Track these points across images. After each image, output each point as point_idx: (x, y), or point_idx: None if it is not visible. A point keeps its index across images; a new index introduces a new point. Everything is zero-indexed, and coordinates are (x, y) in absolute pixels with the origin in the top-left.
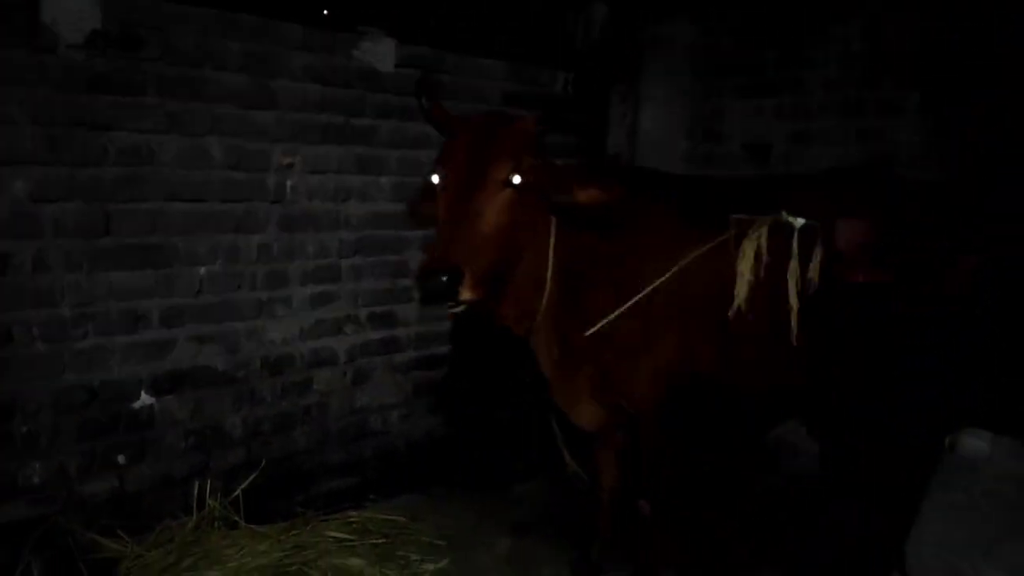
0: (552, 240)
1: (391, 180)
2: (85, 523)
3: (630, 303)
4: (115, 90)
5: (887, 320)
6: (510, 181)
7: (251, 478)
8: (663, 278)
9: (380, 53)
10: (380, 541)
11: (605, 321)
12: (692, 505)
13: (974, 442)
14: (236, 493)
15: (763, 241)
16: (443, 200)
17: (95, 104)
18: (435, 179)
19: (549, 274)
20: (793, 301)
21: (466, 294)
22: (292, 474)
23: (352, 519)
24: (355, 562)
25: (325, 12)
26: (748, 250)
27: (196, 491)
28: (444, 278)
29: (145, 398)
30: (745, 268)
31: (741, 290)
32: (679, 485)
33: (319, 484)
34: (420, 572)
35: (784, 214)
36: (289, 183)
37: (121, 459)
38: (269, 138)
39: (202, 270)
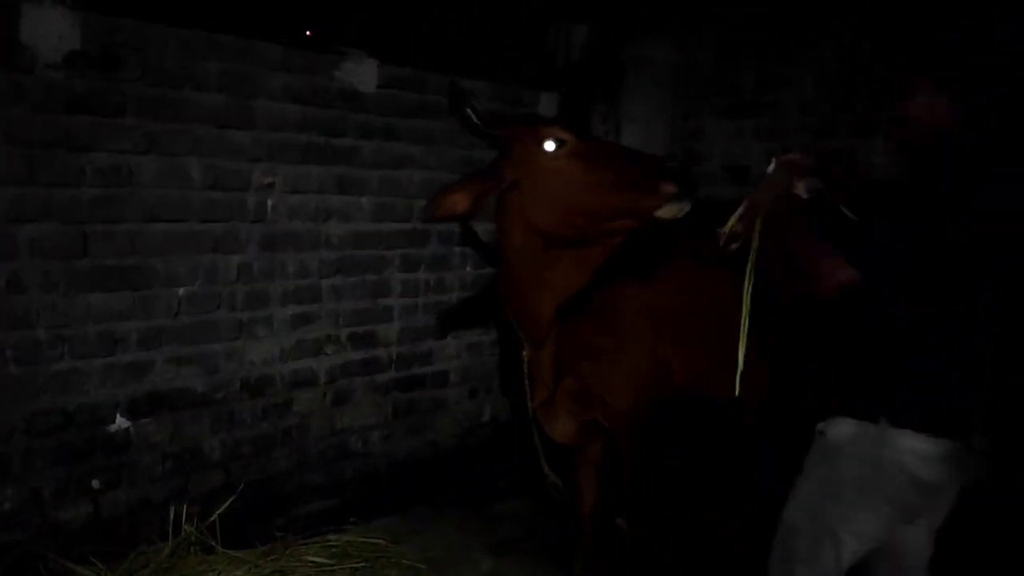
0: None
1: (372, 200)
2: (59, 549)
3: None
4: (94, 110)
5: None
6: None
7: (229, 502)
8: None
9: (362, 74)
10: (360, 565)
11: None
12: (673, 521)
13: (841, 428)
14: (213, 517)
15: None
16: None
17: (73, 124)
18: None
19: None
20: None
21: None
22: (271, 497)
23: (332, 543)
24: None
25: (308, 33)
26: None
27: (172, 516)
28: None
29: (121, 421)
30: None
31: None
32: (659, 500)
33: (299, 507)
34: None
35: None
36: (270, 203)
37: (96, 484)
38: (249, 158)
39: (181, 291)
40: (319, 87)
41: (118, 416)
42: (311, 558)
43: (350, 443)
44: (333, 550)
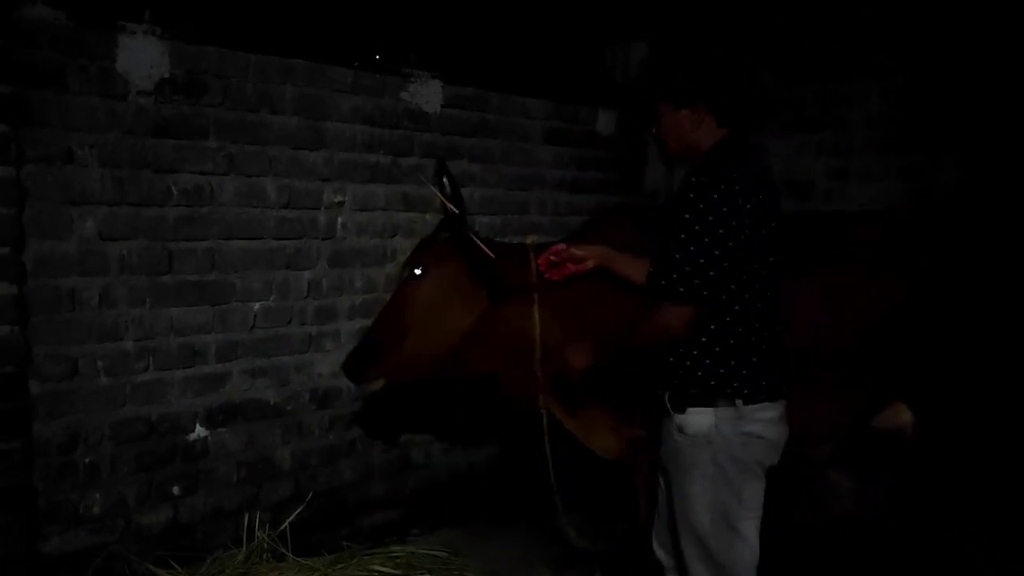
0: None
1: (435, 217)
2: (141, 553)
3: None
4: (179, 134)
5: None
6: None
7: (298, 511)
8: None
9: (427, 95)
10: None
11: None
12: None
13: (698, 419)
14: (284, 525)
15: None
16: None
17: (160, 147)
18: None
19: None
20: None
21: (371, 376)
22: (337, 507)
23: (395, 553)
24: None
25: (376, 56)
26: None
27: (246, 523)
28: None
29: (200, 430)
30: None
31: None
32: None
33: (363, 517)
34: None
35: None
36: (339, 220)
37: (176, 490)
38: (320, 177)
39: (256, 305)
40: (387, 108)
41: (197, 425)
42: (377, 568)
43: (412, 455)
44: (397, 560)
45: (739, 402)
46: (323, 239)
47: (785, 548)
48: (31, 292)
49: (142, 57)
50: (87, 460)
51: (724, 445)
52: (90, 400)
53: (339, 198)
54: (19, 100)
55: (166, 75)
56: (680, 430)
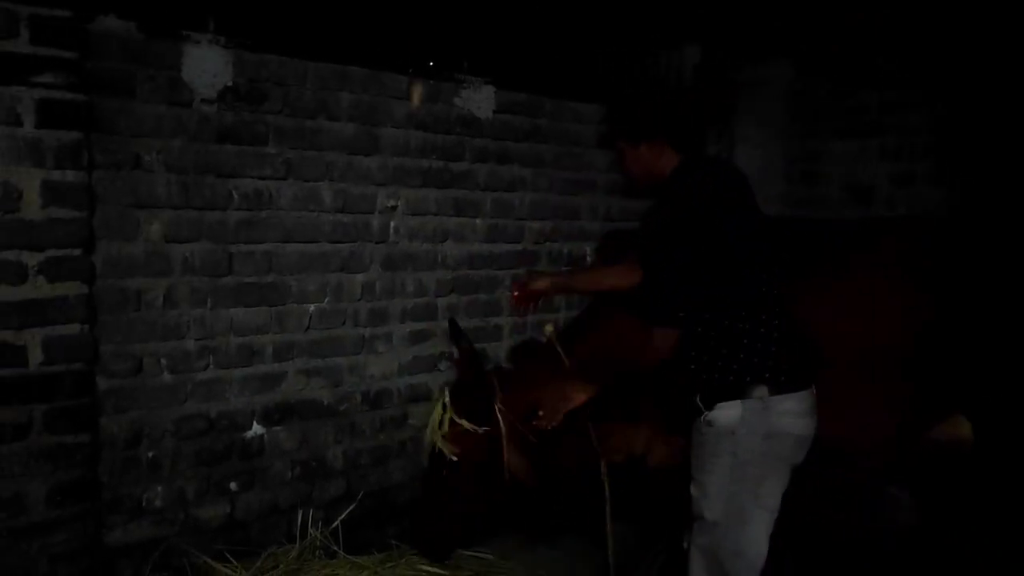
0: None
1: (486, 222)
2: (199, 546)
3: None
4: (240, 140)
5: None
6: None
7: (350, 509)
8: None
9: (479, 100)
10: None
11: None
12: None
13: (729, 412)
14: (336, 523)
15: None
16: None
17: (222, 153)
18: None
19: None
20: None
21: None
22: (387, 507)
23: None
24: None
25: (431, 63)
26: None
27: (299, 520)
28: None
29: (257, 428)
30: None
31: None
32: None
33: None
34: None
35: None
36: (392, 224)
37: (233, 486)
38: (374, 182)
39: (311, 307)
40: (440, 114)
41: (254, 423)
42: (425, 568)
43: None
44: (445, 562)
45: (765, 393)
46: (376, 243)
47: (840, 561)
48: (99, 292)
49: (206, 66)
50: (150, 455)
51: (747, 438)
52: (153, 397)
53: (392, 203)
54: (91, 108)
55: (229, 83)
56: (709, 424)
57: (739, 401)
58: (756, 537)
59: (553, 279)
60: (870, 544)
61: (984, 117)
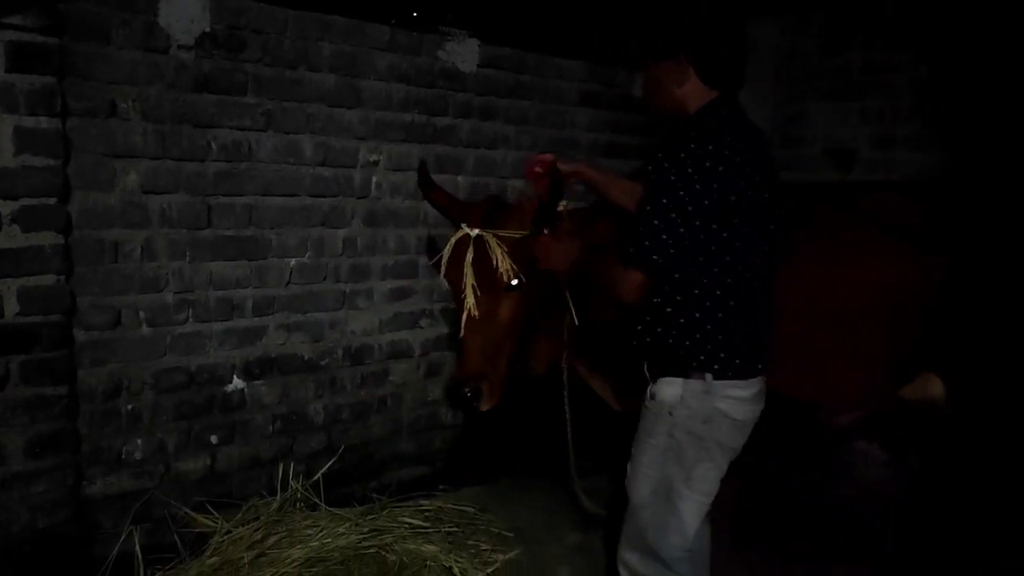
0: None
1: (468, 180)
2: (180, 498)
3: None
4: (219, 89)
5: None
6: (511, 286)
7: (330, 463)
8: None
9: (463, 53)
10: (453, 529)
11: None
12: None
13: (668, 390)
14: (317, 476)
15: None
16: (458, 309)
17: (200, 102)
18: (445, 283)
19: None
20: None
21: (486, 405)
22: (367, 461)
23: (425, 507)
24: (429, 548)
25: (415, 14)
26: None
27: (280, 473)
28: (467, 392)
29: (237, 382)
30: None
31: None
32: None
33: (392, 472)
34: (491, 561)
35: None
36: (374, 180)
37: (214, 439)
38: (356, 136)
39: (292, 262)
40: (423, 67)
41: (234, 377)
42: (407, 520)
43: (440, 414)
44: (426, 514)
45: (708, 376)
46: (358, 198)
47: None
48: (75, 243)
49: (183, 11)
50: (129, 407)
51: (685, 419)
52: (132, 349)
53: (374, 157)
54: (64, 52)
55: (207, 29)
56: (651, 397)
57: (681, 380)
58: (686, 520)
59: (590, 167)
60: (844, 499)
61: (970, 79)
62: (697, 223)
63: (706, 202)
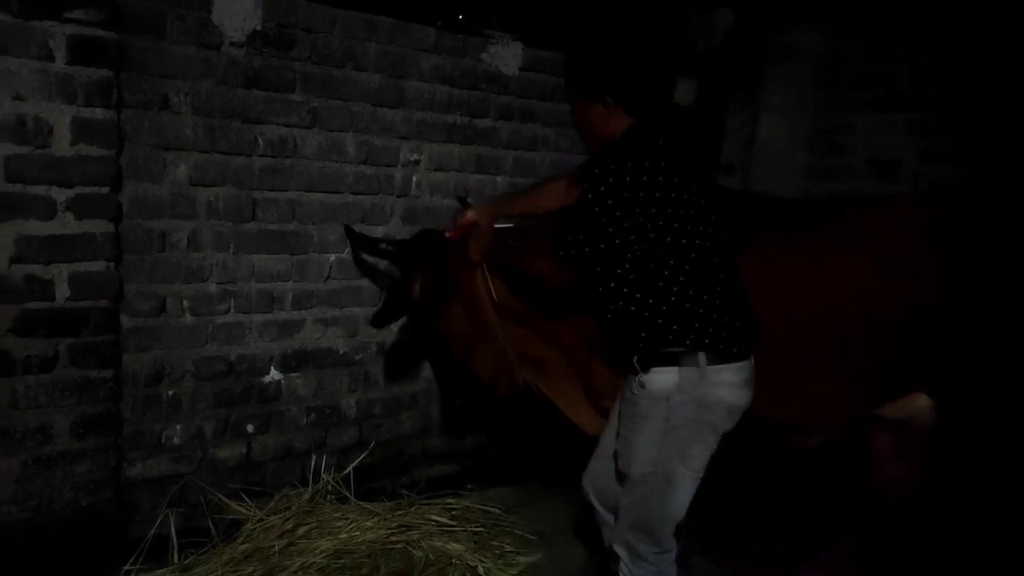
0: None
1: (506, 180)
2: (215, 484)
3: None
4: (268, 86)
5: None
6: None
7: (361, 457)
8: None
9: (506, 56)
10: (478, 529)
11: None
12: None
13: (663, 378)
14: (348, 470)
15: None
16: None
17: (250, 98)
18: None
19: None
20: None
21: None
22: (397, 457)
23: (452, 506)
24: (455, 547)
25: (460, 16)
26: None
27: (313, 464)
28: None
29: (274, 373)
30: None
31: None
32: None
33: (421, 469)
34: (515, 563)
35: None
36: (414, 178)
37: (250, 428)
38: (398, 135)
39: (332, 257)
40: (466, 69)
41: (272, 368)
42: (434, 517)
43: (470, 413)
44: (453, 512)
45: (703, 362)
46: (398, 196)
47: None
48: (125, 231)
49: (236, 8)
50: (170, 393)
51: (681, 405)
52: (175, 337)
53: (415, 156)
54: (121, 46)
55: (258, 27)
56: (642, 386)
57: (676, 368)
58: (681, 496)
59: (486, 208)
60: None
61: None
62: (637, 210)
63: (642, 194)
